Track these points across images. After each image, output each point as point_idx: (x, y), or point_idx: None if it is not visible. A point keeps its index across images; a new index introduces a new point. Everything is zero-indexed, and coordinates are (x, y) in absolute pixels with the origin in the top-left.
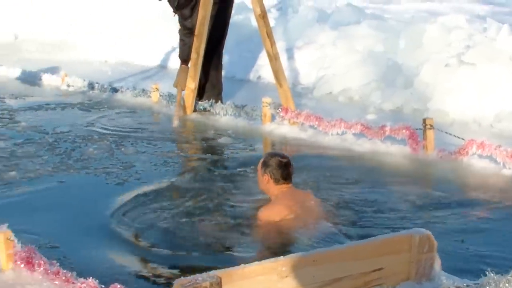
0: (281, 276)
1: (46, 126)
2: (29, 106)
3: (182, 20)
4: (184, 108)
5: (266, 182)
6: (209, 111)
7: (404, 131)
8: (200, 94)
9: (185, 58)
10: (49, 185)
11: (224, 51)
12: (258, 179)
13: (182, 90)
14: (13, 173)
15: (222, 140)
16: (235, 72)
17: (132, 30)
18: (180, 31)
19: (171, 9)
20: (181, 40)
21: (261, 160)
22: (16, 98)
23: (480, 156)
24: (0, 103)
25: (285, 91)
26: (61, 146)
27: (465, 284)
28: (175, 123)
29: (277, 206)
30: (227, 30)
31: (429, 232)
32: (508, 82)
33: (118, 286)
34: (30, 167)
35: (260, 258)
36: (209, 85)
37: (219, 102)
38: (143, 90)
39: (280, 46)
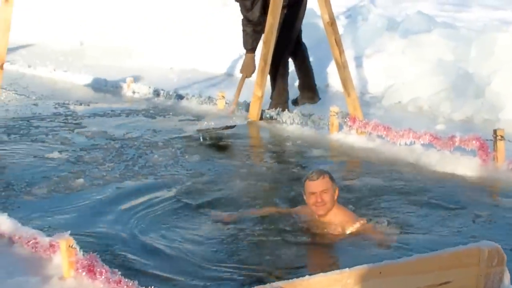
0: None
1: (111, 132)
2: (94, 112)
3: (244, 11)
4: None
5: (337, 196)
6: (275, 119)
7: (474, 142)
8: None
9: (248, 48)
10: (115, 192)
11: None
12: (329, 196)
13: (247, 77)
14: (80, 180)
15: (289, 149)
16: None
17: (199, 37)
18: (242, 21)
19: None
20: (243, 30)
21: (328, 177)
22: (81, 104)
23: None
24: (65, 109)
25: (353, 100)
26: (128, 152)
27: None
28: (232, 109)
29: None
30: (294, 37)
31: (498, 245)
32: None
33: None
34: (97, 174)
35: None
36: (276, 93)
37: (286, 110)
38: (209, 97)
39: (349, 54)
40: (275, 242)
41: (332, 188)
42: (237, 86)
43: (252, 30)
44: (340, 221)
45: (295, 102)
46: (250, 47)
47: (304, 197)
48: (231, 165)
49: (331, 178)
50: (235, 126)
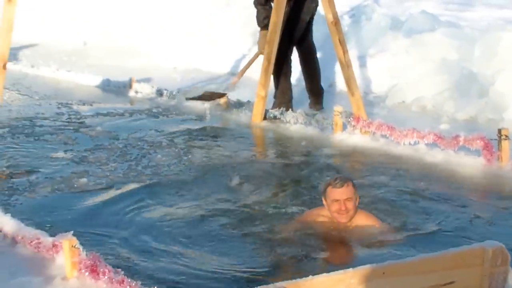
0: None
1: (114, 132)
2: (98, 112)
3: None
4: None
5: (358, 202)
6: (279, 119)
7: (478, 141)
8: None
9: (260, 25)
10: (119, 192)
11: (294, 57)
12: (353, 204)
13: (261, 54)
14: (84, 180)
15: (293, 149)
16: None
17: (202, 37)
18: (254, 1)
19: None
20: (256, 9)
21: (351, 184)
22: (84, 104)
23: None
24: (68, 109)
25: (357, 100)
26: (131, 152)
27: None
28: (235, 81)
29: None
30: (297, 35)
31: (502, 245)
32: None
33: None
34: (100, 174)
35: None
36: (279, 92)
37: (290, 109)
38: None
39: (353, 53)
40: (288, 244)
41: (355, 196)
42: (248, 61)
43: (263, 8)
44: (361, 226)
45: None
46: (262, 25)
47: (324, 202)
48: (235, 165)
49: (354, 186)
50: (225, 94)
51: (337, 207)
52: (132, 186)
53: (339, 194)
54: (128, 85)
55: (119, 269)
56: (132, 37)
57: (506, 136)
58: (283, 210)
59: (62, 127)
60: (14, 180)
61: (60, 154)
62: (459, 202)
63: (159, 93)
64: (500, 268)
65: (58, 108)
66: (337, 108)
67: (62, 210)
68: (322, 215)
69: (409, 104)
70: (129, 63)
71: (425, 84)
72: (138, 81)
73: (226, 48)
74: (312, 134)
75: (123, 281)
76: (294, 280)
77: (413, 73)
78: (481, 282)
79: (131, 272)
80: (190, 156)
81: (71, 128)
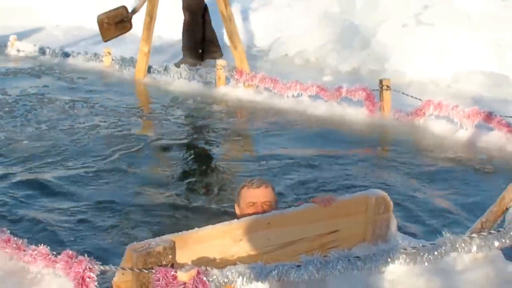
0: (236, 239)
1: None
2: None
3: None
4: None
5: None
6: (162, 74)
7: (360, 92)
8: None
9: None
10: (9, 147)
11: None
12: (271, 209)
13: None
14: None
15: (176, 104)
16: None
17: None
18: None
19: None
20: None
21: (271, 187)
22: None
23: (437, 117)
24: None
25: (240, 53)
26: (18, 108)
27: (421, 245)
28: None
29: None
30: None
31: (385, 193)
32: (466, 42)
33: (70, 252)
34: None
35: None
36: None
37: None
38: (95, 54)
39: (235, 7)
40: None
41: (275, 201)
42: None
43: None
44: None
45: None
46: None
47: (237, 210)
48: (118, 117)
49: (274, 189)
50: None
51: (253, 211)
52: (21, 140)
53: (256, 195)
54: (9, 43)
55: (5, 228)
56: None
57: (388, 86)
58: (166, 172)
59: None
60: None
61: None
62: (342, 152)
63: (42, 51)
64: (383, 216)
65: None
66: (220, 62)
67: None
68: None
69: (292, 57)
70: (11, 22)
71: (308, 37)
72: (20, 39)
73: (109, 5)
74: (195, 88)
75: (9, 240)
76: (181, 233)
77: (296, 27)
78: (365, 229)
79: (18, 231)
80: (75, 111)
81: None
